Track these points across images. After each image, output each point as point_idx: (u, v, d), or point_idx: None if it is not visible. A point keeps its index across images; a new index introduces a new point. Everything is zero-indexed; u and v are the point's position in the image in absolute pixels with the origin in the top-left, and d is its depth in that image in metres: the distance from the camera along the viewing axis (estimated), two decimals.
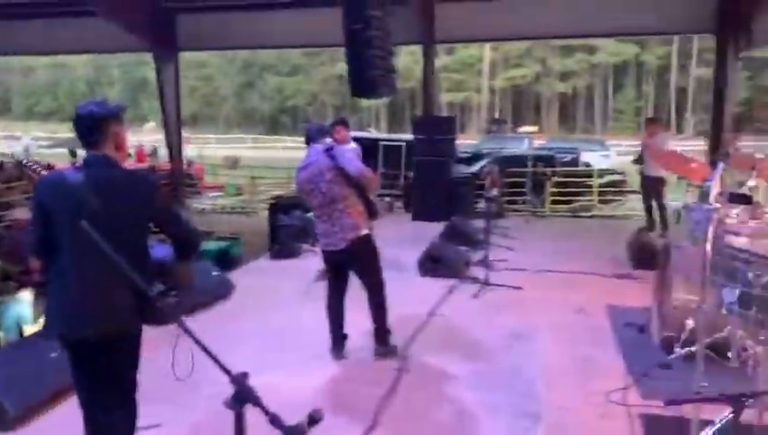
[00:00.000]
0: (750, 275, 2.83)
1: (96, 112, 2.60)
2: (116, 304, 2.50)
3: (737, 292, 2.84)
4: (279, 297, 6.26)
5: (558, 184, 13.06)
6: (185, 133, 15.88)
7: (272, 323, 5.43)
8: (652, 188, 9.42)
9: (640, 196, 10.02)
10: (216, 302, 5.87)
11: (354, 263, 4.56)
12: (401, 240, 8.07)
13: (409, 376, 4.34)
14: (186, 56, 15.41)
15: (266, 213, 11.34)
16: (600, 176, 14.03)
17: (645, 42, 34.66)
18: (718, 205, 2.92)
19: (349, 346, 4.70)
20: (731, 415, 1.81)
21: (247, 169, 19.39)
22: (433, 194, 10.64)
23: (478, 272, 6.84)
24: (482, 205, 11.21)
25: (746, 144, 11.83)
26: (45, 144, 27.17)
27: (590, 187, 13.52)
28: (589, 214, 12.86)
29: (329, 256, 4.61)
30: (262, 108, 51.58)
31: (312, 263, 7.64)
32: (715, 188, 3.01)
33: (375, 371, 4.44)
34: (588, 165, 16.73)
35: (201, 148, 29.42)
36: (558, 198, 13.06)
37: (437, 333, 5.20)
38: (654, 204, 9.45)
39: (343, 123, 7.04)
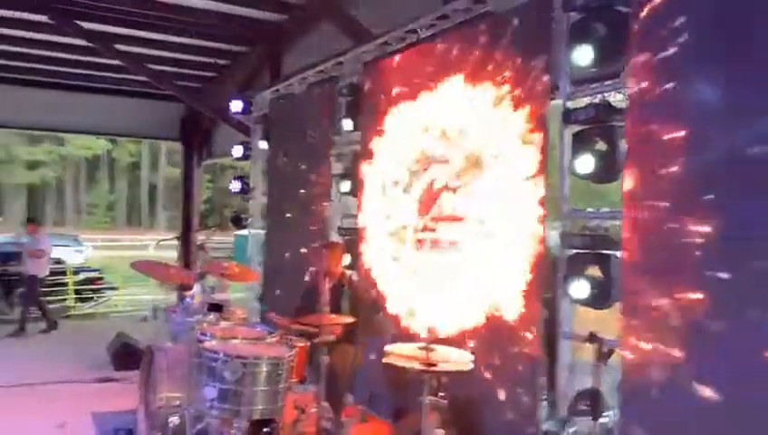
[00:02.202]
0: (226, 373, 3.28)
1: None
2: None
3: (217, 389, 3.25)
4: None
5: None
6: None
7: None
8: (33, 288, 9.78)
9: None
10: None
11: None
12: None
13: None
14: None
15: None
16: (76, 273, 13.53)
17: (117, 139, 35.48)
18: (200, 316, 3.33)
19: None
20: None
21: None
22: None
23: None
24: None
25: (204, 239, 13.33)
26: None
27: (66, 285, 12.88)
28: (65, 315, 12.16)
29: None
30: None
31: None
32: (197, 301, 3.42)
33: None
34: (61, 261, 15.92)
35: None
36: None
37: None
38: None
39: None
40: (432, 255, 5.06)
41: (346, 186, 6.45)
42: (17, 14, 8.63)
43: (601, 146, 3.61)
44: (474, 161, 4.67)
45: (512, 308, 4.25)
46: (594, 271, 3.59)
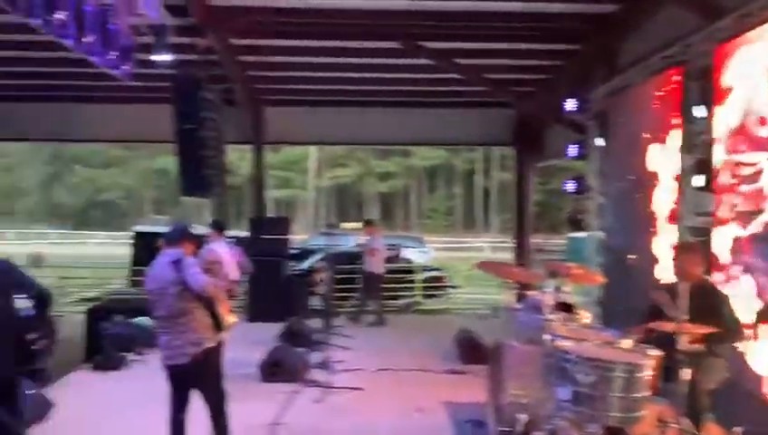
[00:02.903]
0: (579, 375, 3.23)
1: None
2: (6, 359, 3.59)
3: (570, 390, 3.22)
4: (107, 414, 5.74)
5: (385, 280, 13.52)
6: None
7: None
8: (370, 284, 10.57)
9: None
10: (32, 425, 5.23)
11: (196, 378, 4.36)
12: (240, 343, 7.83)
13: None
14: None
15: (78, 317, 10.42)
16: (422, 272, 14.80)
17: (454, 148, 38.02)
18: (547, 315, 3.33)
19: None
20: None
21: (54, 267, 17.71)
22: (268, 294, 10.54)
23: (319, 374, 6.84)
24: (314, 302, 11.33)
25: (538, 241, 13.39)
26: None
27: (413, 282, 14.20)
28: (414, 309, 13.46)
29: (170, 371, 4.39)
30: (70, 201, 47.94)
31: (140, 374, 7.17)
32: (547, 300, 3.44)
33: None
34: (409, 261, 17.63)
35: None
36: (385, 293, 13.53)
37: None
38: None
39: (217, 226, 7.05)
40: None
41: (699, 180, 5.80)
42: (366, 44, 9.83)
43: None
44: None
45: None
46: None
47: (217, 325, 4.40)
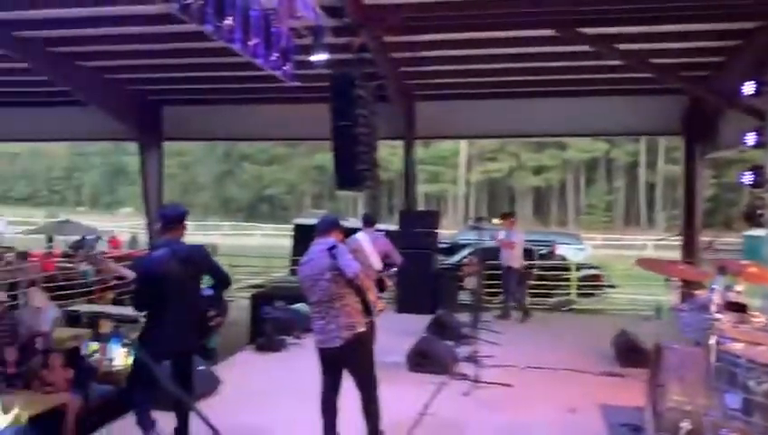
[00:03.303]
0: (751, 382, 2.91)
1: (180, 212, 4.56)
2: (191, 332, 4.41)
3: (740, 398, 2.91)
4: (269, 394, 6.13)
5: (537, 278, 13.19)
6: None
7: (264, 422, 5.29)
8: (508, 278, 10.27)
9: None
10: (201, 398, 5.73)
11: (348, 361, 4.54)
12: (388, 333, 8.01)
13: None
14: (166, 143, 15.68)
15: (244, 302, 11.26)
16: (578, 269, 14.22)
17: (614, 139, 36.11)
18: (715, 315, 3.03)
19: None
20: None
21: (225, 256, 19.25)
22: (417, 286, 10.68)
23: (466, 368, 6.81)
24: (463, 296, 11.28)
25: (709, 239, 12.28)
26: (21, 229, 26.80)
27: (568, 280, 13.68)
28: (567, 308, 12.96)
29: (323, 354, 4.58)
30: (240, 196, 51.93)
31: (297, 356, 7.59)
32: (716, 299, 3.13)
33: None
34: (564, 258, 17.00)
35: None
36: (537, 291, 13.20)
37: (430, 433, 5.11)
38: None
39: (366, 219, 7.36)
40: None
41: None
42: (521, 33, 9.56)
43: None
44: None
45: None
46: None
47: (367, 310, 4.53)
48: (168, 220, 4.51)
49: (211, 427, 2.04)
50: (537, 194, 45.29)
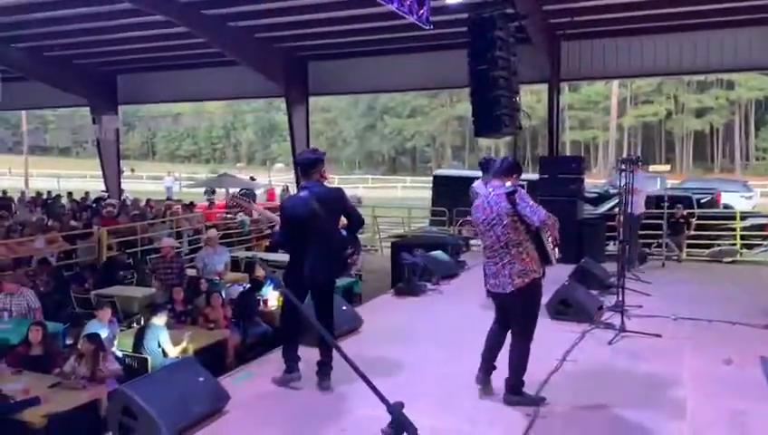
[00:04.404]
0: None
1: (313, 157, 4.65)
2: (331, 265, 4.63)
3: None
4: (407, 333, 6.31)
5: (696, 227, 12.32)
6: None
7: (402, 358, 5.46)
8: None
9: None
10: (346, 335, 6.02)
11: (514, 309, 4.41)
12: None
13: (542, 422, 4.20)
14: (312, 101, 16.27)
15: (387, 251, 11.58)
16: (743, 219, 13.09)
17: None
18: None
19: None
20: None
21: (368, 207, 19.83)
22: (561, 235, 10.32)
23: (611, 317, 6.54)
24: (611, 247, 10.75)
25: None
26: (186, 184, 29.34)
27: (732, 230, 12.64)
28: (730, 259, 11.96)
29: (495, 298, 4.53)
30: (382, 149, 52.91)
31: (435, 301, 7.70)
32: None
33: (508, 414, 4.33)
34: (728, 207, 15.67)
35: None
36: (695, 241, 12.31)
37: (571, 380, 5.00)
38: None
39: (484, 165, 6.96)
40: None
41: None
42: None
43: None
44: None
45: None
46: None
47: (545, 258, 4.36)
48: (304, 165, 4.63)
49: (348, 361, 2.12)
50: (698, 138, 41.67)
